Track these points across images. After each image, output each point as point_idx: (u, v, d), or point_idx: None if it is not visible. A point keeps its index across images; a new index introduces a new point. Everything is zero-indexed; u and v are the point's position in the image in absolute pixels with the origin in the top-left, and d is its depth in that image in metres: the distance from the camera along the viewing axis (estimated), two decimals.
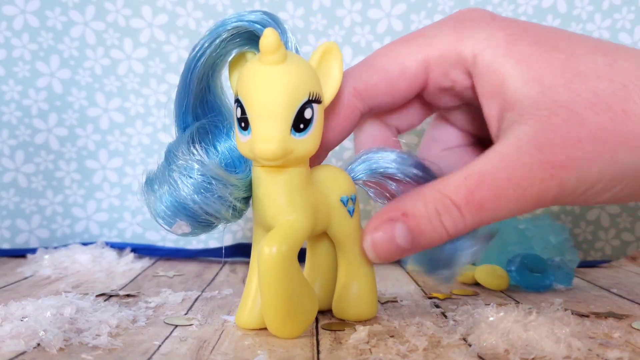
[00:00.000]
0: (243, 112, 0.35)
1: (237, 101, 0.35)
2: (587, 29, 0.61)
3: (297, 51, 0.37)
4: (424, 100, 0.43)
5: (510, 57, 0.37)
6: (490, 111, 0.39)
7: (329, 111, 0.40)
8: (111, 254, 0.59)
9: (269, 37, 0.33)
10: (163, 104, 0.63)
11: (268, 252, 0.34)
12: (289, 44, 0.37)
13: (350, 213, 0.40)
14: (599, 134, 0.35)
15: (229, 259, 0.63)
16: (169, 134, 0.63)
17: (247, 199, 0.38)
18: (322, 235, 0.41)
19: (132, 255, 0.60)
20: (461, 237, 0.39)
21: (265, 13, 0.36)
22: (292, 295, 0.35)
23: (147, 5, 0.62)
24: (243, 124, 0.35)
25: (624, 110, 0.35)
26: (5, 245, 0.62)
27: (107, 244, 0.62)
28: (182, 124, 0.39)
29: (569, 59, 0.37)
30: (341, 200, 0.39)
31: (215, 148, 0.38)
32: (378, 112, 0.43)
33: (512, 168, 0.35)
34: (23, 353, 0.33)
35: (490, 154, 0.36)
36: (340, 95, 0.40)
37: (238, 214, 0.38)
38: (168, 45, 0.62)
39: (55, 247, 0.61)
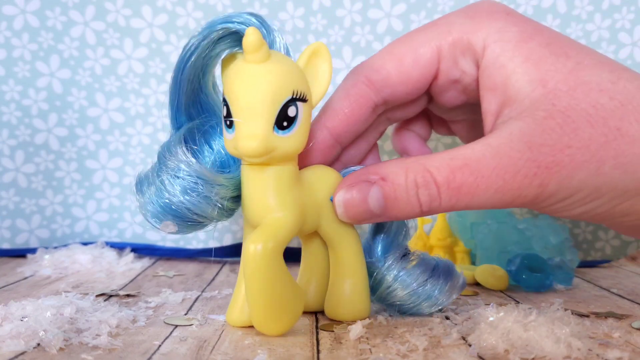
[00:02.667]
0: (228, 110, 0.35)
1: (224, 100, 0.36)
2: (587, 29, 0.61)
3: (287, 51, 0.37)
4: (428, 95, 0.44)
5: (519, 54, 0.38)
6: (489, 105, 0.39)
7: (342, 101, 0.40)
8: (111, 254, 0.59)
9: (250, 35, 0.34)
10: (163, 104, 0.63)
11: (253, 249, 0.34)
12: (276, 44, 0.37)
13: None
14: (589, 145, 0.35)
15: (229, 259, 0.63)
16: (169, 134, 0.63)
17: (237, 198, 0.38)
18: (315, 235, 0.41)
19: (132, 255, 0.60)
20: (433, 286, 0.41)
21: (251, 14, 0.37)
22: (277, 292, 0.35)
23: (147, 5, 0.62)
24: (228, 123, 0.35)
25: (618, 128, 0.35)
26: (5, 245, 0.62)
27: (107, 244, 0.62)
28: (176, 124, 0.39)
29: (575, 68, 0.37)
30: (331, 200, 0.39)
31: (210, 147, 0.39)
32: (392, 105, 0.43)
33: (498, 158, 0.36)
34: (23, 353, 0.33)
35: (480, 142, 0.37)
36: (354, 85, 0.41)
37: (227, 213, 0.38)
38: (168, 45, 0.62)
39: (55, 247, 0.61)
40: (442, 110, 0.46)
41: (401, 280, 0.40)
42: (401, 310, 0.41)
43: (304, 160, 0.41)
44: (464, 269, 0.53)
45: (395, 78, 0.41)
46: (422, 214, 0.37)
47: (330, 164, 0.43)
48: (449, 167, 0.36)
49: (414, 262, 0.41)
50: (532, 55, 0.38)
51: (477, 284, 0.52)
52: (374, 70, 0.41)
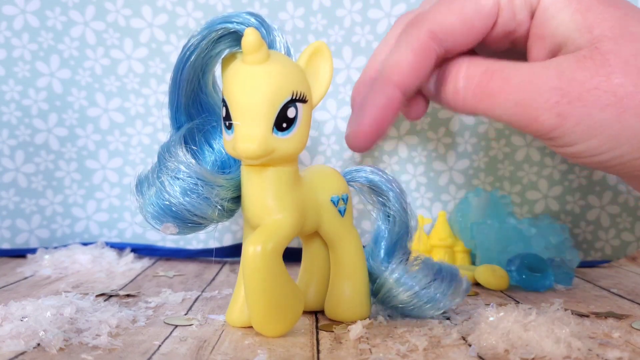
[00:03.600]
0: (227, 112, 0.35)
1: (223, 101, 0.36)
2: None
3: (287, 50, 0.37)
4: None
5: (568, 4, 0.40)
6: (538, 53, 0.41)
7: (407, 56, 0.42)
8: (111, 254, 0.59)
9: (249, 36, 0.33)
10: (163, 104, 0.63)
11: (252, 250, 0.34)
12: (277, 44, 0.37)
13: (341, 213, 0.40)
14: (616, 90, 0.37)
15: (229, 259, 0.63)
16: (169, 134, 0.63)
17: (237, 199, 0.38)
18: (315, 235, 0.41)
19: (132, 255, 0.60)
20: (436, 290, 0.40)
21: (250, 14, 0.37)
22: (277, 294, 0.35)
23: (147, 5, 0.62)
24: (227, 124, 0.35)
25: None
26: (5, 245, 0.62)
27: (107, 244, 0.62)
28: (176, 124, 0.39)
29: (623, 17, 0.38)
30: (331, 200, 0.39)
31: (211, 146, 0.39)
32: (450, 55, 0.44)
33: (528, 76, 0.38)
34: (23, 353, 0.33)
35: (523, 62, 0.39)
36: (417, 39, 0.42)
37: (227, 214, 0.38)
38: (168, 45, 0.62)
39: (55, 247, 0.61)
40: (486, 53, 0.48)
41: (404, 283, 0.40)
42: (403, 313, 0.41)
43: (376, 118, 0.41)
44: (463, 269, 0.53)
45: (458, 30, 0.42)
46: (449, 105, 0.41)
47: (394, 119, 0.44)
48: (486, 67, 0.39)
49: (417, 266, 0.41)
50: (581, 6, 0.39)
51: (477, 284, 0.52)
52: (437, 24, 0.42)
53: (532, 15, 0.41)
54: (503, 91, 0.38)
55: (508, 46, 0.44)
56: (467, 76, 0.40)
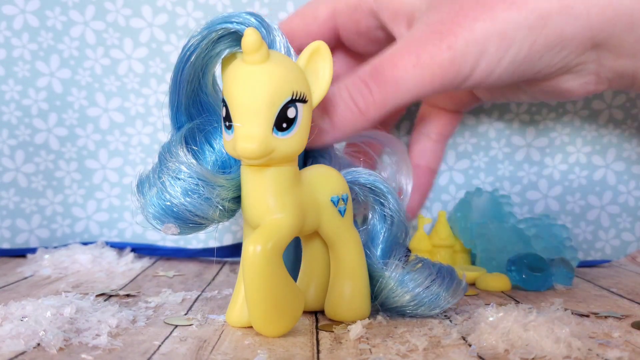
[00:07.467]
0: (227, 112, 0.35)
1: (223, 101, 0.36)
2: None
3: (287, 50, 0.37)
4: (345, 47, 0.53)
5: None
6: (399, 30, 0.47)
7: None
8: (111, 254, 0.59)
9: (249, 36, 0.33)
10: (163, 103, 0.63)
11: (252, 250, 0.34)
12: (277, 44, 0.37)
13: (341, 213, 0.40)
14: (478, 1, 0.41)
15: (229, 259, 0.63)
16: (169, 134, 0.63)
17: (238, 199, 0.38)
18: (315, 235, 0.41)
19: (132, 255, 0.60)
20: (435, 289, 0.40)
21: (250, 14, 0.37)
22: (277, 293, 0.35)
23: (147, 5, 0.62)
24: (227, 124, 0.35)
25: None
26: (5, 245, 0.62)
27: (107, 243, 0.62)
28: (177, 124, 0.39)
29: None
30: (331, 200, 0.39)
31: (211, 146, 0.39)
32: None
33: (407, 43, 0.42)
34: (23, 353, 0.33)
35: (395, 43, 0.44)
36: None
37: (228, 214, 0.38)
38: (168, 45, 0.62)
39: (55, 247, 0.61)
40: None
41: (405, 285, 0.40)
42: (403, 313, 0.41)
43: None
44: (464, 269, 0.53)
45: (299, 30, 0.50)
46: (364, 116, 0.43)
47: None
48: (372, 65, 0.43)
49: (417, 267, 0.41)
50: None
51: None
52: (285, 24, 0.52)
53: (373, 14, 0.48)
54: (397, 65, 0.42)
55: (374, 47, 0.50)
56: (363, 80, 0.42)
